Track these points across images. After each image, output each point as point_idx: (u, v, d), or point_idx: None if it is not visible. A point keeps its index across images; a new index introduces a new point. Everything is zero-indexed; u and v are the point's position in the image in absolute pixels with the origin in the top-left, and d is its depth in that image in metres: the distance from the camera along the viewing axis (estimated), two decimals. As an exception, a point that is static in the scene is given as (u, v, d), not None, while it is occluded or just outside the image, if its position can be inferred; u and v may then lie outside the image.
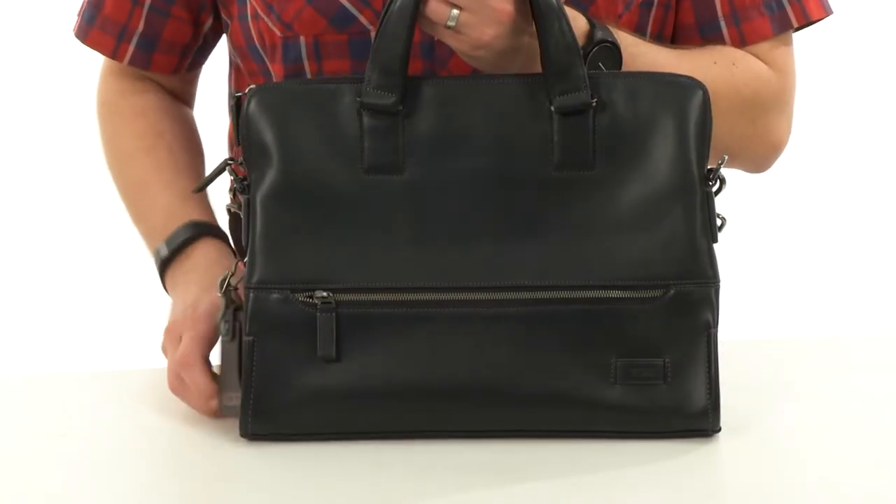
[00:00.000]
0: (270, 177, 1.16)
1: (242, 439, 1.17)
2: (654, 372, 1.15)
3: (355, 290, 1.14)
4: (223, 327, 1.19)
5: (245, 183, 1.18)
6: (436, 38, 1.24)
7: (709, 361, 1.16)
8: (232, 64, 1.47)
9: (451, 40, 1.19)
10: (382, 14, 1.16)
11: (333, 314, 1.14)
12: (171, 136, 1.44)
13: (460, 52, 1.20)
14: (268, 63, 1.39)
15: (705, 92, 1.17)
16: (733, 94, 1.34)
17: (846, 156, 3.43)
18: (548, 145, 1.16)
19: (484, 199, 1.15)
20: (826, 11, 1.40)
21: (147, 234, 1.41)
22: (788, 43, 1.40)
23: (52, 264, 3.32)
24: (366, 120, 1.16)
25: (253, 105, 1.17)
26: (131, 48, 1.44)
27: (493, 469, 1.11)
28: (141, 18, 1.43)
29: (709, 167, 1.18)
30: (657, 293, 1.14)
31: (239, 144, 1.18)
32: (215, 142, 1.51)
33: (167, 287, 1.36)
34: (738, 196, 1.37)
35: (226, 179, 1.23)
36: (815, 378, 1.34)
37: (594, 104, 1.15)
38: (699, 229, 1.16)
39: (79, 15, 1.47)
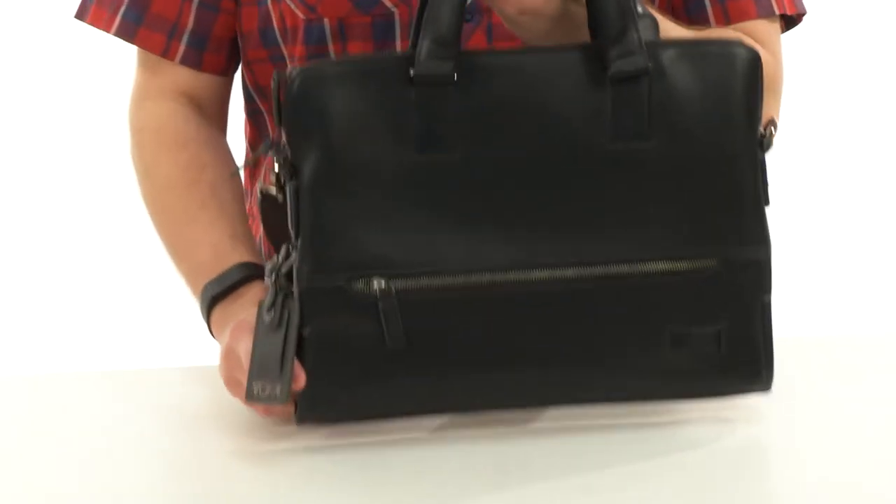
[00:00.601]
0: (316, 161, 1.12)
1: (243, 442, 1.18)
2: (709, 339, 1.16)
3: (410, 274, 1.12)
4: (268, 316, 1.15)
5: (291, 168, 1.13)
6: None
7: (763, 326, 1.17)
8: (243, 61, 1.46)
9: (498, 2, 1.16)
10: None
11: (395, 300, 1.12)
12: (213, 170, 1.40)
13: (505, 15, 1.18)
14: (283, 47, 1.38)
15: (755, 55, 1.15)
16: None
17: (846, 156, 3.43)
18: (603, 117, 1.13)
19: (539, 174, 1.13)
20: (798, 9, 1.43)
21: (190, 270, 1.37)
22: (778, 29, 1.43)
23: (53, 264, 3.32)
24: (416, 96, 1.12)
25: (297, 87, 1.12)
26: (182, 46, 1.42)
27: (508, 470, 1.12)
28: (191, 14, 1.41)
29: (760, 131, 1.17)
30: (711, 262, 1.14)
31: (281, 127, 1.14)
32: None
33: (213, 322, 1.32)
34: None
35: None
36: (816, 378, 1.34)
37: (651, 68, 1.13)
38: (751, 195, 1.15)
39: (115, 13, 1.42)
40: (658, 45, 1.15)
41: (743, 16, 1.39)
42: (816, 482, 1.10)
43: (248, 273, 1.31)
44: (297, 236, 1.13)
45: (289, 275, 1.15)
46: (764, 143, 1.16)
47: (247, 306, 1.25)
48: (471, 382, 1.15)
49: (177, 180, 1.40)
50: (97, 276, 3.29)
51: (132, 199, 1.46)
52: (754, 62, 1.15)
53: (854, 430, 1.20)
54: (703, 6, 1.39)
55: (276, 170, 1.14)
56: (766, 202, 1.17)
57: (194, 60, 1.42)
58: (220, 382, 1.21)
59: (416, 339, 1.13)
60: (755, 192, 1.15)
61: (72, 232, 3.31)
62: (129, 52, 1.49)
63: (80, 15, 1.46)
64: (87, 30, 1.49)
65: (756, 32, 1.39)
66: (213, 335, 1.33)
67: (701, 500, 1.08)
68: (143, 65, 1.47)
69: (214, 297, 1.31)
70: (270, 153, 1.14)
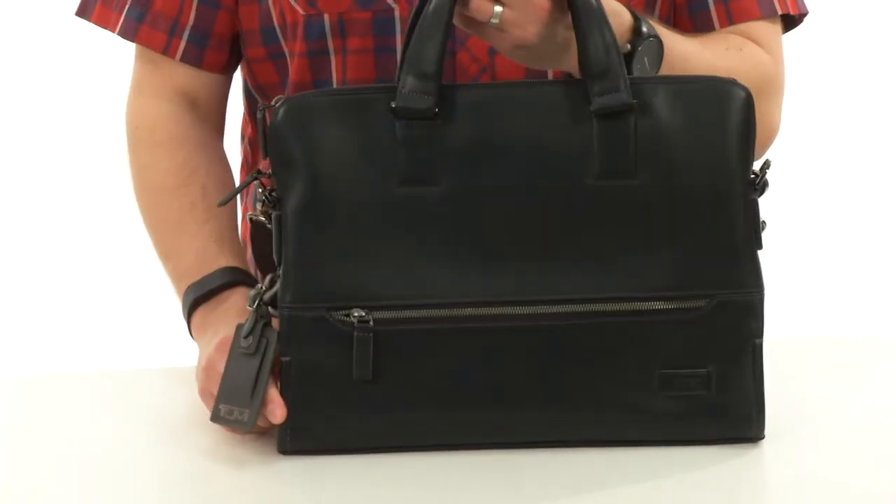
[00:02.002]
0: (301, 191, 1.12)
1: (243, 441, 1.17)
2: (699, 382, 1.13)
3: (392, 307, 1.12)
4: (245, 342, 1.15)
5: (275, 197, 1.14)
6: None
7: (753, 370, 1.14)
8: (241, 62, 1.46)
9: (492, 38, 1.17)
10: (414, 15, 1.13)
11: (370, 334, 1.11)
12: (206, 173, 1.39)
13: (501, 50, 1.18)
14: (283, 44, 1.38)
15: (748, 95, 1.14)
16: (744, 80, 1.34)
17: (846, 156, 3.43)
18: (588, 153, 1.12)
19: (522, 210, 1.12)
20: (800, 9, 1.42)
21: (175, 274, 1.37)
22: (779, 30, 1.42)
23: (53, 264, 3.32)
24: (399, 129, 1.12)
25: (280, 117, 1.13)
26: (183, 43, 1.41)
27: (522, 484, 1.11)
28: (191, 11, 1.40)
29: (752, 172, 1.15)
30: (700, 303, 1.13)
31: (266, 157, 1.14)
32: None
33: (193, 328, 1.32)
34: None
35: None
36: (816, 378, 1.34)
37: (635, 105, 1.12)
38: (743, 237, 1.14)
39: (120, 12, 1.42)
40: (647, 81, 1.15)
41: (745, 15, 1.39)
42: (816, 482, 1.10)
43: (232, 278, 1.30)
44: (280, 265, 1.14)
45: (271, 303, 1.15)
46: (757, 184, 1.14)
47: (230, 314, 1.24)
48: (447, 418, 1.13)
49: (168, 182, 1.39)
50: (96, 276, 3.28)
51: (131, 199, 1.46)
52: (747, 102, 1.14)
53: (854, 430, 1.20)
54: (707, 6, 1.39)
55: (262, 199, 1.14)
56: (759, 246, 1.15)
57: (195, 58, 1.42)
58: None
59: (394, 371, 1.12)
60: (748, 234, 1.14)
61: (71, 232, 3.31)
62: (125, 48, 1.49)
63: (83, 13, 1.46)
64: (81, 25, 1.48)
65: (757, 34, 1.39)
66: (192, 337, 1.33)
67: (701, 499, 1.08)
68: (142, 61, 1.46)
69: (196, 301, 1.31)
70: (256, 183, 1.15)
